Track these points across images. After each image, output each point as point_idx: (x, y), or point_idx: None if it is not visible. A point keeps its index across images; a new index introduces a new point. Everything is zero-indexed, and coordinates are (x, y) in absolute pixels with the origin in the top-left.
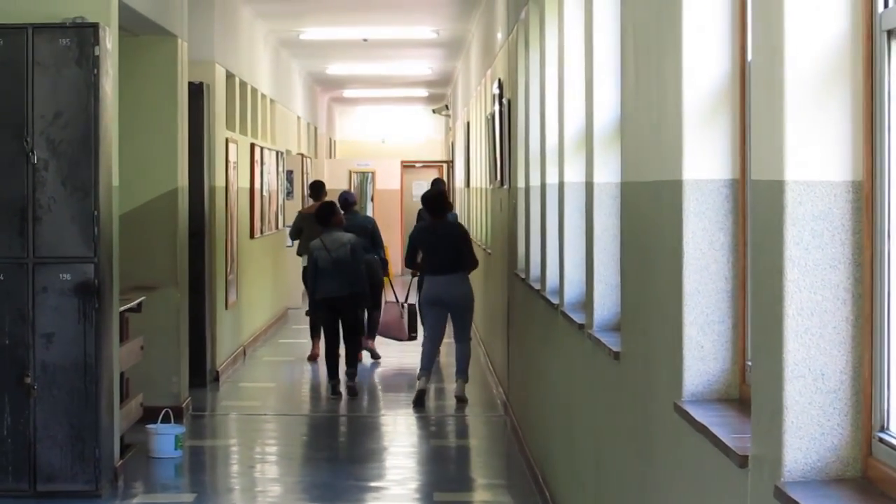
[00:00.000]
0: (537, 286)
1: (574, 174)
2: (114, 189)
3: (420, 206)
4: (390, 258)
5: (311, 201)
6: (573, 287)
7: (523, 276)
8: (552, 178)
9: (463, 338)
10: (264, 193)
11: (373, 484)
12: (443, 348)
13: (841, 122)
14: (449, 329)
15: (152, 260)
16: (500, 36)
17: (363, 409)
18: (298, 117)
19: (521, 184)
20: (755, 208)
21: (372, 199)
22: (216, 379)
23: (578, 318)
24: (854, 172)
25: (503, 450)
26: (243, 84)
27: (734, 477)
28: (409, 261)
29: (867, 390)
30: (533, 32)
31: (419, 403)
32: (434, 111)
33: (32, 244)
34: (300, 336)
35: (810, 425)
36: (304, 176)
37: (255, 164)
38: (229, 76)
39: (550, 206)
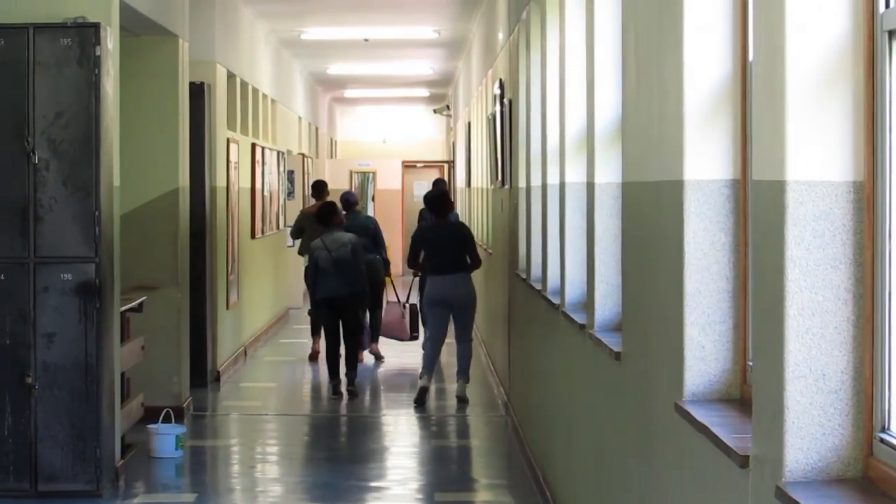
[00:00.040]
0: (538, 286)
1: (575, 174)
2: (115, 189)
3: (421, 206)
4: (391, 258)
5: (313, 201)
6: (574, 287)
7: (524, 276)
8: (553, 179)
9: (464, 338)
10: (265, 193)
11: (374, 484)
12: (444, 348)
13: (842, 122)
14: (449, 329)
15: (153, 260)
16: (501, 36)
17: (364, 409)
18: (299, 117)
19: (522, 184)
20: (756, 208)
21: (373, 200)
22: (217, 379)
23: (579, 318)
24: (855, 173)
25: (504, 450)
26: (244, 84)
27: (735, 477)
28: (412, 261)
29: (868, 390)
30: (534, 33)
31: (420, 402)
32: (435, 111)
33: (33, 244)
34: (301, 336)
35: (811, 425)
36: (305, 176)
37: (256, 165)
38: (230, 76)
39: (551, 207)
